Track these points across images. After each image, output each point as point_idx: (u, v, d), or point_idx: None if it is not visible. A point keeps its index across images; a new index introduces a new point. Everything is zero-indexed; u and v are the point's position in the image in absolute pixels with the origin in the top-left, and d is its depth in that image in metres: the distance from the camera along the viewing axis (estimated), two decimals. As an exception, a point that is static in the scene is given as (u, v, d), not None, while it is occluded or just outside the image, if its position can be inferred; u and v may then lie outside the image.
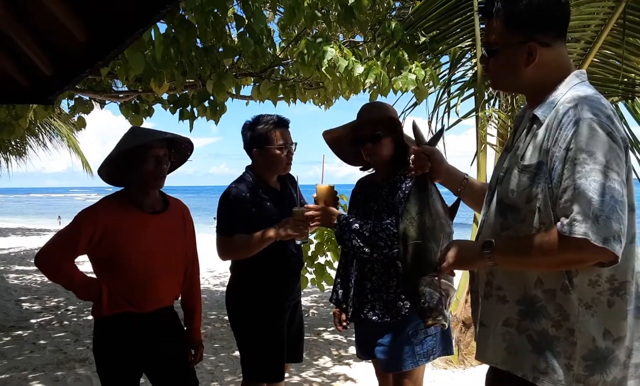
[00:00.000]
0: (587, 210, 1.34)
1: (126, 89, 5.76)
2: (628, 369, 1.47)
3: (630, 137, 5.21)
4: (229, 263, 2.99)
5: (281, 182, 3.02)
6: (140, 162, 2.33)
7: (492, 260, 1.56)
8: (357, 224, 2.49)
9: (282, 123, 2.90)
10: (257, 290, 2.86)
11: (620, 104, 4.99)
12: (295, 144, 2.94)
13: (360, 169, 2.81)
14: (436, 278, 1.71)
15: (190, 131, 5.45)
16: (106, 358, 2.37)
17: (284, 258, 2.88)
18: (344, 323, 2.80)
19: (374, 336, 2.57)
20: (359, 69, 4.37)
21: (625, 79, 4.33)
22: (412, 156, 1.89)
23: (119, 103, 5.95)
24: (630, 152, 1.51)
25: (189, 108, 5.78)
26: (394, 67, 4.75)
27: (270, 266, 2.83)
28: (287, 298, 2.93)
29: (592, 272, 1.45)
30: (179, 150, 2.55)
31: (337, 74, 4.40)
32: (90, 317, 6.52)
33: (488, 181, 2.09)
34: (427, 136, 1.98)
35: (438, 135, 2.12)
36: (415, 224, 1.74)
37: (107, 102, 5.84)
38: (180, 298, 2.61)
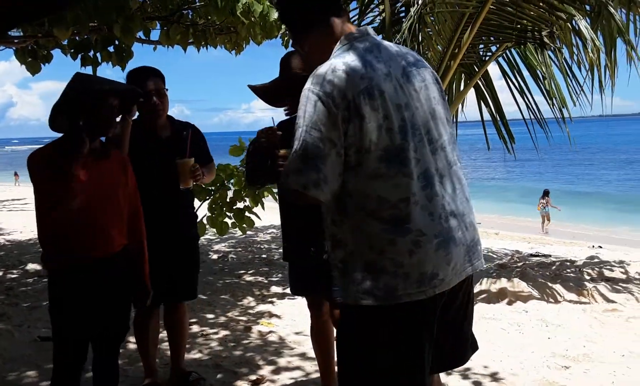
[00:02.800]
0: (294, 165, 1.68)
1: (21, 33, 5.39)
2: (399, 278, 1.70)
3: (519, 81, 5.69)
4: None
5: (174, 131, 3.16)
6: (97, 109, 2.36)
7: None
8: None
9: (138, 76, 3.03)
10: None
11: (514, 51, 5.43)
12: (167, 89, 3.08)
13: (286, 115, 2.93)
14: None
15: (95, 78, 5.23)
16: (60, 309, 2.40)
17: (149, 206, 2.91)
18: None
19: (321, 272, 2.68)
20: (274, 14, 4.40)
21: (519, 26, 4.69)
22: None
23: (13, 48, 5.55)
24: (380, 99, 1.69)
25: (91, 53, 5.53)
26: (306, 12, 4.81)
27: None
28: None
29: (357, 204, 1.72)
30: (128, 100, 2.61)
31: (252, 19, 4.40)
32: (0, 273, 6.27)
33: None
34: None
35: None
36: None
37: (0, 48, 5.43)
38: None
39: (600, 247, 9.97)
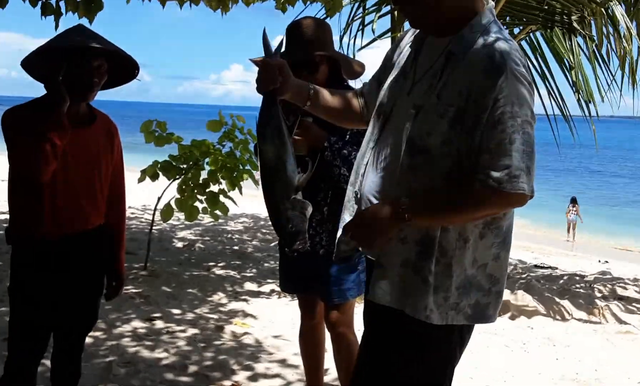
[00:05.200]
0: (523, 163, 1.57)
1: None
2: (491, 295, 1.75)
3: (542, 68, 5.74)
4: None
5: None
6: (73, 67, 2.30)
7: (409, 221, 1.68)
8: (346, 150, 2.56)
9: None
10: None
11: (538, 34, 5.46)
12: None
13: None
14: (294, 197, 1.83)
15: (56, 29, 5.11)
16: (22, 290, 2.37)
17: None
18: None
19: (316, 268, 2.73)
20: (271, -29, 4.35)
21: (546, 7, 4.70)
22: (260, 70, 1.86)
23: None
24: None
25: (53, 1, 5.40)
26: (307, -26, 4.78)
27: None
28: None
29: None
30: (121, 66, 2.53)
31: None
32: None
33: None
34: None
35: (280, 47, 2.07)
36: (271, 142, 1.83)
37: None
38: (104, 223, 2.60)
39: (607, 262, 10.16)
